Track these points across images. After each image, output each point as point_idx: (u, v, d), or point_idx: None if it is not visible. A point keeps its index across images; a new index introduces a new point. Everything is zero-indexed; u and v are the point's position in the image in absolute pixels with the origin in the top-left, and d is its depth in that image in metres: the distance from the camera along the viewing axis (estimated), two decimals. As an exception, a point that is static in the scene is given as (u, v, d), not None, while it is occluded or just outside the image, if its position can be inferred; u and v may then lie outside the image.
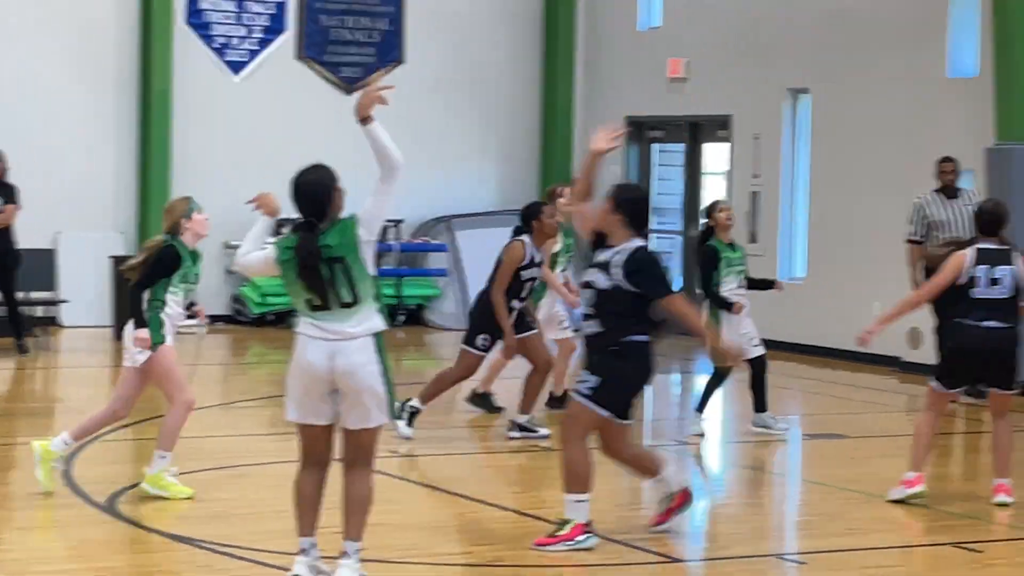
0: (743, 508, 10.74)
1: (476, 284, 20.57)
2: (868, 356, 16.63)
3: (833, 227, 18.40)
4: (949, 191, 15.25)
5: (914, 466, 10.29)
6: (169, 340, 9.73)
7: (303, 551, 7.61)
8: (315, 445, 7.62)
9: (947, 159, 15.44)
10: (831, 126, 18.30)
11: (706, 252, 12.58)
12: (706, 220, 12.80)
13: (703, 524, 9.88)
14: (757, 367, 12.88)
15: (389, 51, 21.31)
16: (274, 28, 20.68)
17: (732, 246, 12.71)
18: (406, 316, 20.90)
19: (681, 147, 21.04)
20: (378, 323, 7.64)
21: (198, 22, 20.31)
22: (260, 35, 20.62)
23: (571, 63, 22.06)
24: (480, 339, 12.24)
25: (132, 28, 19.99)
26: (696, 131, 20.76)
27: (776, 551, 9.39)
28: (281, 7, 20.72)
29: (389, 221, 20.76)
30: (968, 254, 10.14)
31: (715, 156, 20.57)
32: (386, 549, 8.54)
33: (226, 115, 20.46)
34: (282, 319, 19.71)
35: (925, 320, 15.99)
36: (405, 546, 8.78)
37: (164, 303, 9.71)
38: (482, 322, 12.24)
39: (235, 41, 20.51)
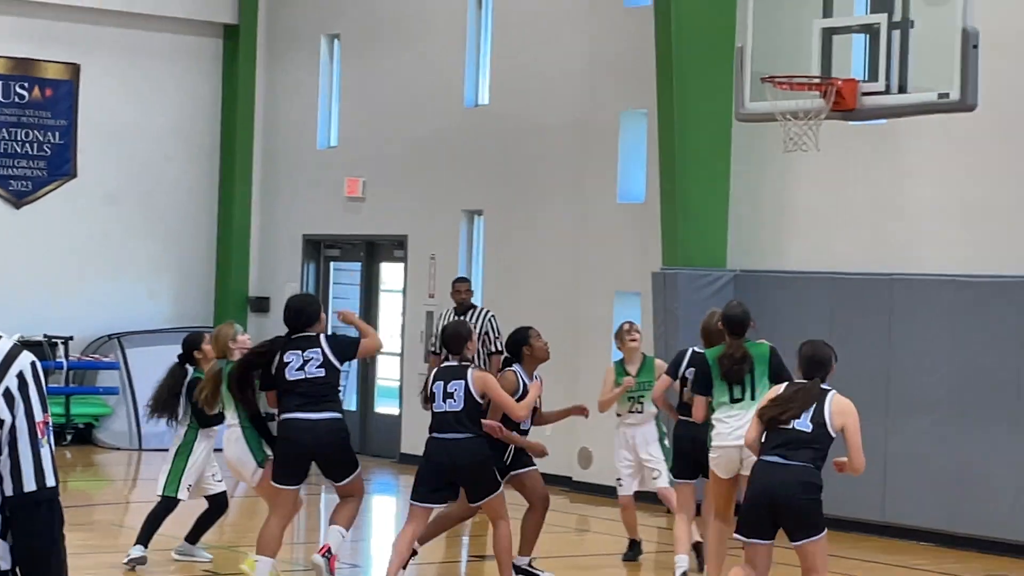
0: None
1: (146, 402, 20.26)
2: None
3: (507, 347, 18.62)
4: (461, 308, 16.32)
5: None
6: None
7: None
8: None
9: (462, 279, 16.91)
10: (505, 247, 18.59)
11: None
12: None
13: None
14: (218, 504, 12.44)
15: (60, 164, 20.92)
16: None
17: None
18: (74, 434, 20.35)
19: (358, 265, 21.10)
20: None
21: None
22: (-75, 146, 20.05)
23: (248, 180, 21.97)
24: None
25: None
26: (373, 250, 20.86)
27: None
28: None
29: (57, 338, 20.29)
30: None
31: (391, 275, 20.68)
32: None
33: None
34: None
35: (596, 440, 16.27)
36: None
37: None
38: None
39: None
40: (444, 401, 10.67)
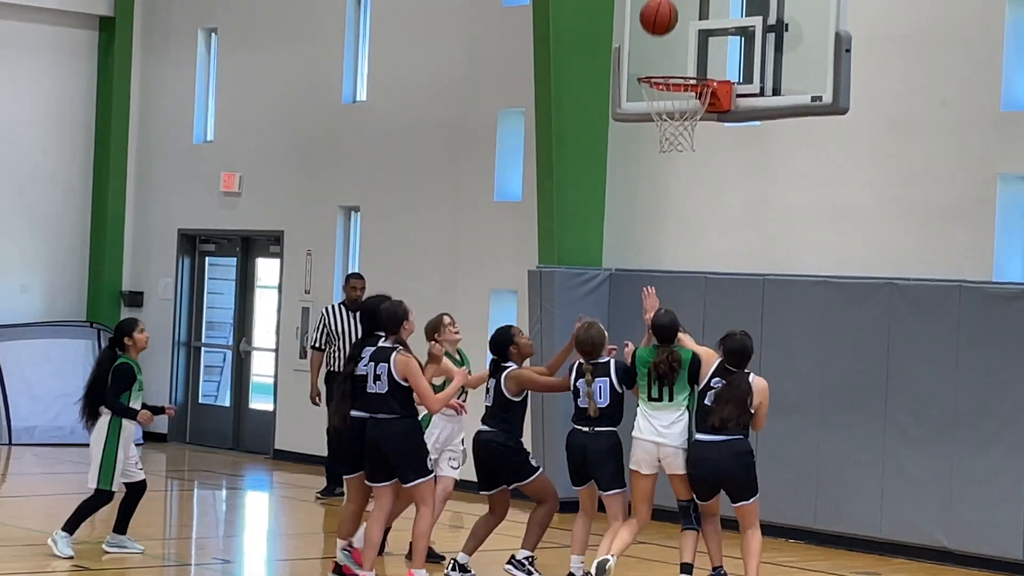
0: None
1: (17, 397, 20.08)
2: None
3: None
4: (354, 304, 15.91)
5: None
6: None
7: None
8: None
9: (356, 275, 16.72)
10: (382, 244, 18.59)
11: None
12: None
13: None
14: (136, 490, 12.39)
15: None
16: None
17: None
18: (-58, 429, 20.05)
19: (233, 261, 21.00)
20: None
21: None
22: None
23: (123, 174, 21.78)
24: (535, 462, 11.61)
25: None
26: (249, 245, 20.77)
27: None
28: None
29: (-74, 331, 19.99)
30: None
31: (267, 270, 20.61)
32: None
33: None
34: None
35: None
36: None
37: None
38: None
39: None
40: (374, 383, 10.96)
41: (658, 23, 11.31)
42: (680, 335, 11.40)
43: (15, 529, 13.84)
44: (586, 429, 11.34)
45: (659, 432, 11.21)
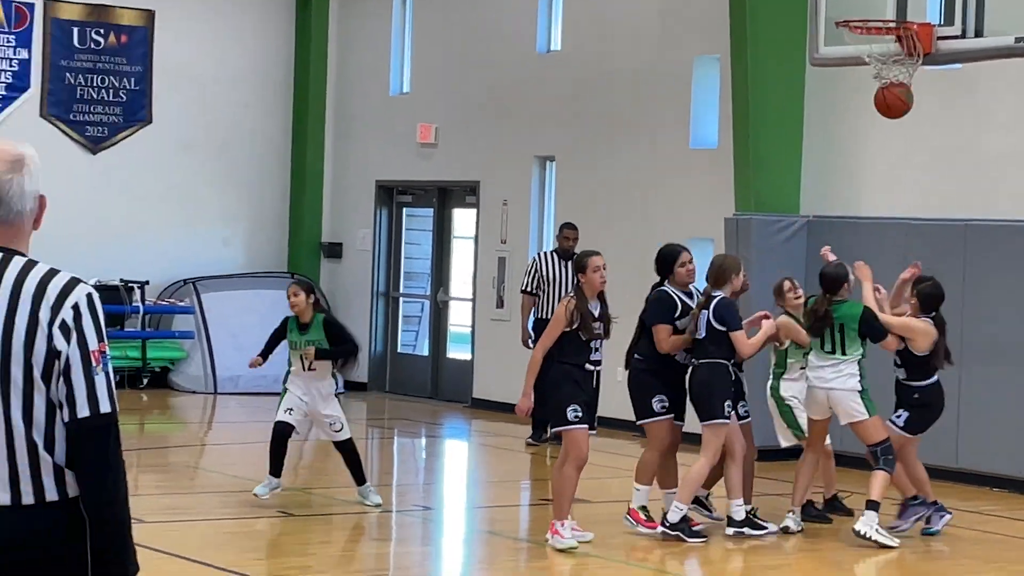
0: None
1: (222, 347, 20.50)
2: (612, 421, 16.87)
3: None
4: (565, 254, 16.13)
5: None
6: None
7: None
8: None
9: (570, 226, 16.76)
10: (577, 193, 18.59)
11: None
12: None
13: None
14: (345, 448, 12.27)
15: (136, 110, 21.07)
16: (18, 85, 20.31)
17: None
18: (150, 378, 20.57)
19: (430, 212, 21.17)
20: None
21: (-62, 77, 19.89)
22: (3, 92, 20.22)
23: (322, 127, 22.06)
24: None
25: None
26: (445, 196, 20.91)
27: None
28: (25, 64, 20.37)
29: (134, 282, 20.48)
30: None
31: (464, 221, 20.74)
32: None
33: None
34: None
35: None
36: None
37: None
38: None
39: (-23, 97, 20.11)
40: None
41: None
42: (870, 295, 11.71)
43: (221, 476, 14.16)
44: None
45: (827, 381, 11.58)
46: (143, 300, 20.55)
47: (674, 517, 11.25)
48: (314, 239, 22.09)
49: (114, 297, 19.97)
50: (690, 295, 11.58)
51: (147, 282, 20.65)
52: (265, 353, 12.50)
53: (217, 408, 19.58)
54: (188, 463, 15.33)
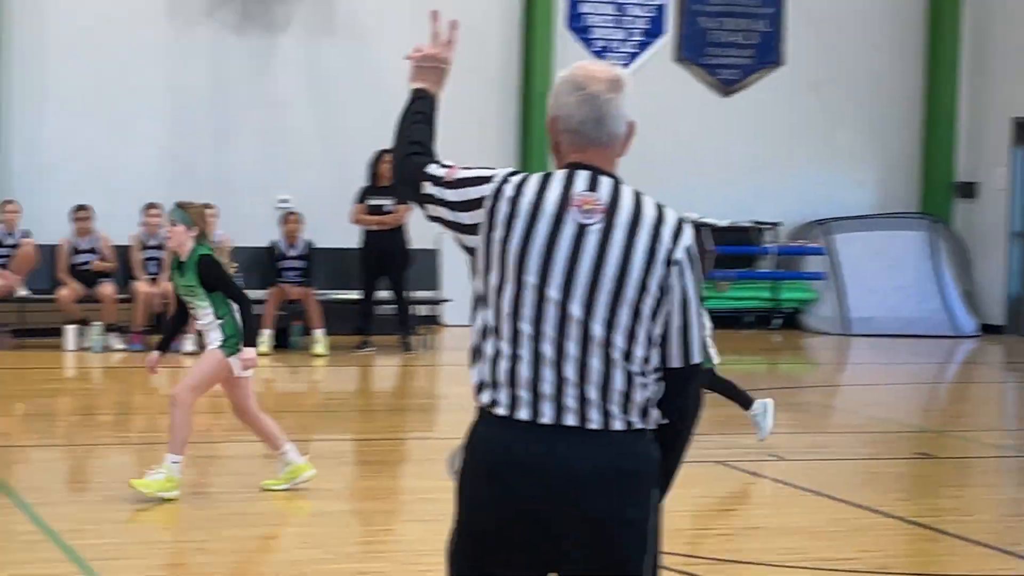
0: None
1: (854, 288, 20.40)
2: None
3: None
4: None
5: None
6: None
7: None
8: None
9: None
10: None
11: None
12: None
13: None
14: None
15: (767, 53, 21.20)
16: (653, 31, 20.79)
17: None
18: (783, 320, 20.72)
19: (1072, 149, 20.34)
20: None
21: (579, 26, 20.56)
22: (640, 38, 20.75)
23: (955, 63, 21.55)
24: None
25: (514, 33, 20.36)
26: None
27: None
28: (661, 10, 20.82)
29: (766, 223, 20.62)
30: None
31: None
32: (767, 552, 8.48)
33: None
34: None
35: None
36: (786, 549, 8.70)
37: None
38: None
39: (615, 44, 20.68)
40: None
41: None
42: None
43: (856, 417, 14.07)
44: None
45: None
46: (775, 241, 20.69)
47: None
48: (947, 178, 21.63)
49: (745, 238, 20.20)
50: None
51: (780, 223, 20.78)
52: None
53: (851, 349, 19.51)
54: (822, 403, 15.34)
